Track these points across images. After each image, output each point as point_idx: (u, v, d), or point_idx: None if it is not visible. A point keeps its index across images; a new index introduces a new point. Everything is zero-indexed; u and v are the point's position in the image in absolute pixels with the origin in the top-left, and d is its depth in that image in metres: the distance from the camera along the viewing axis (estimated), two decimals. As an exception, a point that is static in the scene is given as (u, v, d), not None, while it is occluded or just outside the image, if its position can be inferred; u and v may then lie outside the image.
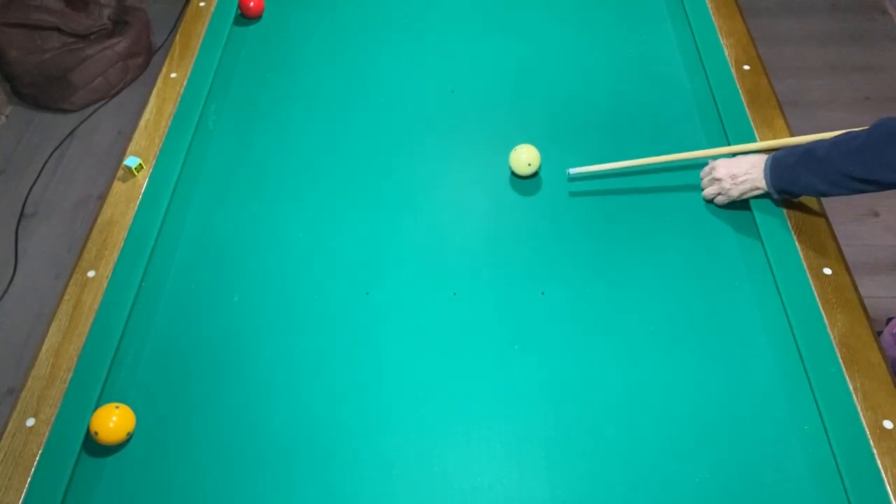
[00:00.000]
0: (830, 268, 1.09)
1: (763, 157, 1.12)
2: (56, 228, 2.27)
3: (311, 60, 1.49)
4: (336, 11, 1.60)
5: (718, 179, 1.16)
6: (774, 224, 1.15)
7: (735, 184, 1.14)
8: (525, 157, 1.22)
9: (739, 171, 1.13)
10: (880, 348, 1.00)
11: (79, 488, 0.92)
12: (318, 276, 1.13)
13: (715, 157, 1.21)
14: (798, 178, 1.05)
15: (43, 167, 2.44)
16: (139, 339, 1.06)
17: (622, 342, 1.04)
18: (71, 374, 1.00)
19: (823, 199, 1.17)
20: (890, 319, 1.64)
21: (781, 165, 1.08)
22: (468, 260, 1.15)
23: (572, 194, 1.23)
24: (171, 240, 1.19)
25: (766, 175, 1.10)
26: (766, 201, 1.17)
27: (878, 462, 0.89)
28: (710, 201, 1.20)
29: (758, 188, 1.13)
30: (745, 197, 1.15)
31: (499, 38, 1.52)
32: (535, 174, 1.25)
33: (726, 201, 1.17)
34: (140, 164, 1.25)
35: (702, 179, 1.21)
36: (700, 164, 1.24)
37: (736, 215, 1.18)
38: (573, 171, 1.24)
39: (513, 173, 1.26)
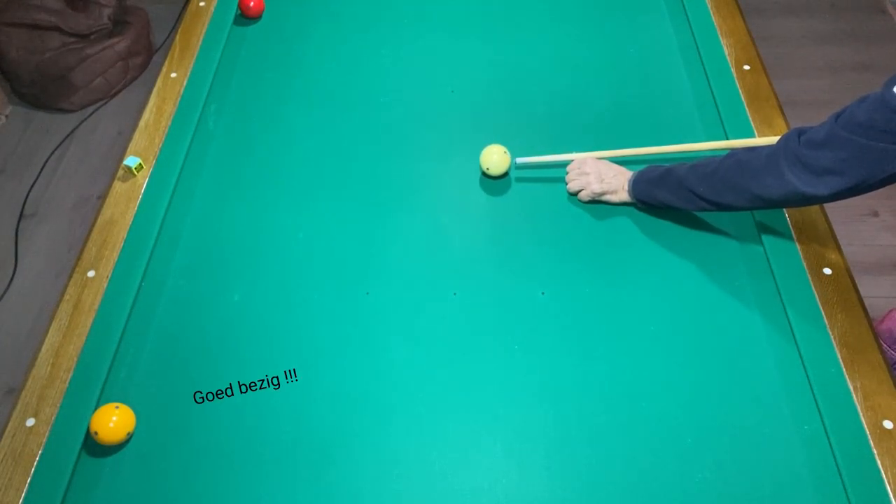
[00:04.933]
0: (830, 268, 1.09)
1: (627, 170, 1.20)
2: (56, 228, 2.27)
3: (311, 60, 1.49)
4: (336, 11, 1.60)
5: (587, 174, 1.20)
6: (774, 224, 1.16)
7: (599, 182, 1.18)
8: (483, 162, 1.24)
9: (608, 173, 1.19)
10: (880, 347, 1.00)
11: (79, 488, 0.92)
12: (318, 276, 1.13)
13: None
14: (655, 192, 1.13)
15: (43, 167, 2.44)
16: (139, 339, 1.06)
17: (622, 342, 1.04)
18: (71, 374, 1.00)
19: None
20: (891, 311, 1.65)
21: (644, 178, 1.15)
22: (468, 260, 1.15)
23: (573, 194, 1.23)
24: (171, 240, 1.19)
25: (630, 183, 1.17)
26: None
27: (878, 462, 0.89)
28: (573, 194, 1.23)
29: (616, 192, 1.19)
30: (603, 198, 1.20)
31: (499, 38, 1.52)
32: (506, 174, 1.25)
33: (588, 198, 1.21)
34: (140, 164, 1.25)
35: (568, 173, 1.24)
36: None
37: (736, 215, 1.18)
38: (520, 160, 1.25)
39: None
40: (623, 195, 1.19)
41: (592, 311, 1.08)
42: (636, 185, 1.16)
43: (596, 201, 1.21)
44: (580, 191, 1.21)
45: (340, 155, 1.31)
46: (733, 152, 1.04)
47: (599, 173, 1.19)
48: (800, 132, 0.95)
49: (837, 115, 0.90)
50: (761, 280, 1.10)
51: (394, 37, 1.54)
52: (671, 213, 1.18)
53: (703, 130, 1.32)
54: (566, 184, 1.23)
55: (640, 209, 1.20)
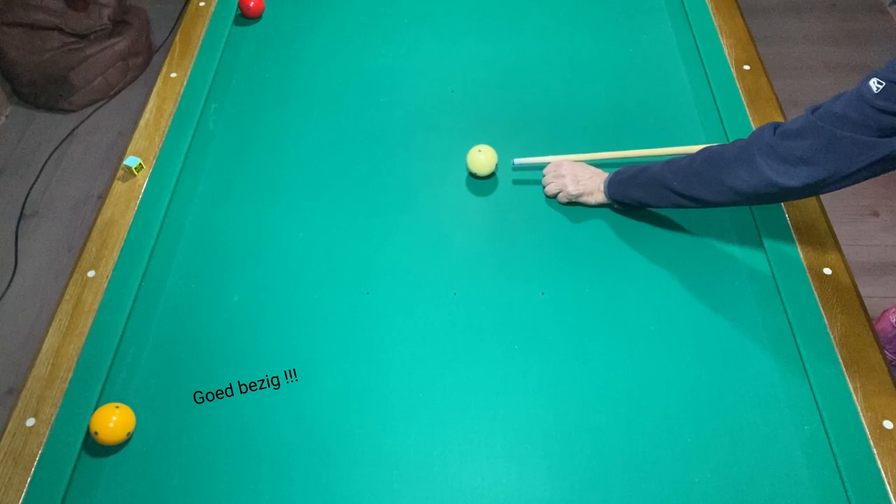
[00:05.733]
0: (830, 268, 1.09)
1: (603, 172, 1.20)
2: (56, 228, 2.28)
3: (311, 60, 1.49)
4: (336, 11, 1.60)
5: (562, 176, 1.20)
6: (774, 224, 1.16)
7: (575, 183, 1.19)
8: (469, 166, 1.24)
9: (583, 175, 1.19)
10: (880, 347, 1.00)
11: (79, 488, 0.92)
12: (319, 276, 1.13)
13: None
14: (631, 190, 1.13)
15: (43, 167, 2.44)
16: (139, 339, 1.06)
17: (622, 342, 1.04)
18: (71, 374, 1.00)
19: (823, 199, 1.19)
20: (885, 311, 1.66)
21: (619, 178, 1.15)
22: (468, 260, 1.15)
23: (550, 196, 1.23)
24: (171, 240, 1.19)
25: (605, 184, 1.17)
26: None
27: (878, 462, 0.89)
28: (551, 197, 1.23)
29: (592, 193, 1.19)
30: (579, 199, 1.20)
31: (499, 38, 1.52)
32: (493, 174, 1.26)
33: (566, 200, 1.21)
34: (140, 164, 1.25)
35: (544, 176, 1.24)
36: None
37: (736, 215, 1.18)
38: (518, 160, 1.26)
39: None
40: (599, 196, 1.19)
41: (592, 311, 1.08)
42: (611, 186, 1.16)
43: (573, 203, 1.21)
44: (558, 193, 1.21)
45: (341, 155, 1.31)
46: (708, 146, 1.05)
47: (575, 175, 1.19)
48: (775, 125, 0.96)
49: (814, 109, 0.91)
50: (761, 280, 1.10)
51: (394, 37, 1.54)
52: (671, 214, 1.18)
53: (703, 130, 1.32)
54: (543, 187, 1.24)
55: (616, 210, 1.20)
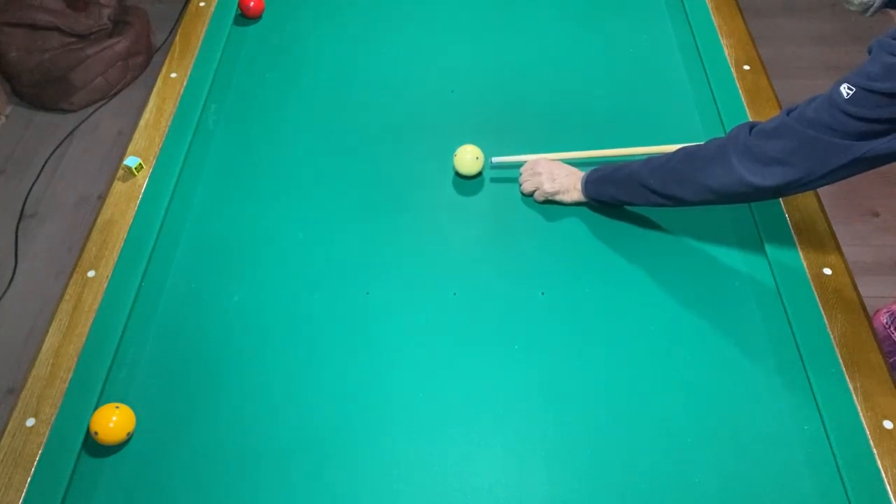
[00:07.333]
0: (830, 268, 1.09)
1: (579, 170, 1.20)
2: (56, 228, 2.27)
3: (310, 60, 1.49)
4: (336, 11, 1.60)
5: (539, 174, 1.20)
6: (774, 224, 1.16)
7: (551, 181, 1.19)
8: (458, 169, 1.24)
9: (559, 173, 1.20)
10: (879, 345, 1.00)
11: (79, 488, 0.92)
12: (318, 276, 1.13)
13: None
14: (607, 188, 1.14)
15: (43, 167, 2.44)
16: (139, 339, 1.06)
17: (622, 342, 1.04)
18: (71, 374, 1.00)
19: (823, 199, 1.19)
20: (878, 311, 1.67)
21: (596, 176, 1.16)
22: (468, 260, 1.15)
23: (527, 195, 1.23)
24: (171, 240, 1.19)
25: (582, 181, 1.17)
26: (766, 202, 1.17)
27: (878, 462, 0.89)
28: (527, 195, 1.23)
29: (568, 192, 1.19)
30: (555, 198, 1.20)
31: (499, 38, 1.52)
32: (480, 173, 1.26)
33: (542, 198, 1.21)
34: (140, 164, 1.25)
35: (521, 174, 1.24)
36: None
37: (736, 215, 1.18)
38: (496, 159, 1.26)
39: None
40: (575, 195, 1.19)
41: (592, 310, 1.08)
42: (588, 184, 1.17)
43: (549, 202, 1.21)
44: (535, 191, 1.21)
45: (340, 155, 1.31)
46: (685, 146, 1.05)
47: (551, 173, 1.19)
48: (751, 125, 0.96)
49: (789, 110, 0.91)
50: (761, 280, 1.10)
51: (394, 37, 1.54)
52: (670, 213, 1.18)
53: (703, 130, 1.32)
54: (519, 185, 1.24)
55: (593, 208, 1.20)
